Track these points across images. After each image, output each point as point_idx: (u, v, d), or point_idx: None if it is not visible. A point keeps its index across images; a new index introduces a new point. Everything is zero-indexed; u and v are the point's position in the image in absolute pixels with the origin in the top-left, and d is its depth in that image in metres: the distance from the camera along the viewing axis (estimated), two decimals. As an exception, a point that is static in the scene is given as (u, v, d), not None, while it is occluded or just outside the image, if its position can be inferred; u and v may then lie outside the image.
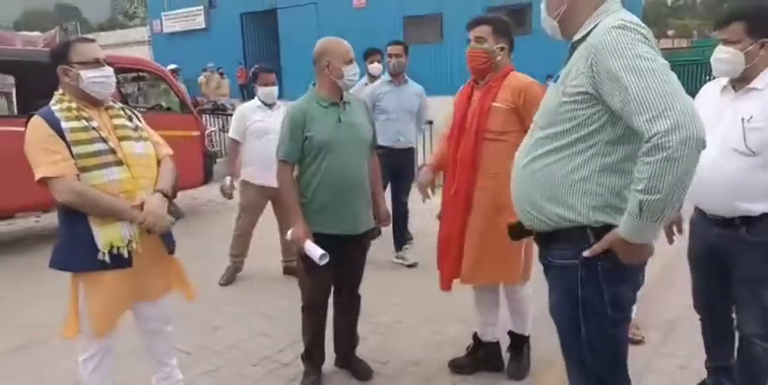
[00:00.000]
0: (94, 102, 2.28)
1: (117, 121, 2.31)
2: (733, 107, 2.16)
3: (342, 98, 2.67)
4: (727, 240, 2.22)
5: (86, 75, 2.20)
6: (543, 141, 1.68)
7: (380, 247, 4.78)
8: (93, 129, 2.20)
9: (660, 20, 37.10)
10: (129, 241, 2.23)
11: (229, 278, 4.40)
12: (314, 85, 2.70)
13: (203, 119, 9.40)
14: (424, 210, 5.38)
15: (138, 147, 2.31)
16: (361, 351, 3.02)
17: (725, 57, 2.14)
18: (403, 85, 4.67)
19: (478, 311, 2.92)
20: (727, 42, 2.14)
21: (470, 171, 2.59)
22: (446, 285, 2.76)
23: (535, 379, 2.85)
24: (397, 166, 4.52)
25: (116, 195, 2.20)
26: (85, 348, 2.31)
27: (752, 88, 2.13)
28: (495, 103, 2.56)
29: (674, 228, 2.40)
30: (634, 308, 1.75)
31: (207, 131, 6.89)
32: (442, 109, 2.97)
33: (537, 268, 2.06)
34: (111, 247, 2.19)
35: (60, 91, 2.26)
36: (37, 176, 2.13)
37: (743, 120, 2.10)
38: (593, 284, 1.64)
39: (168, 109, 7.39)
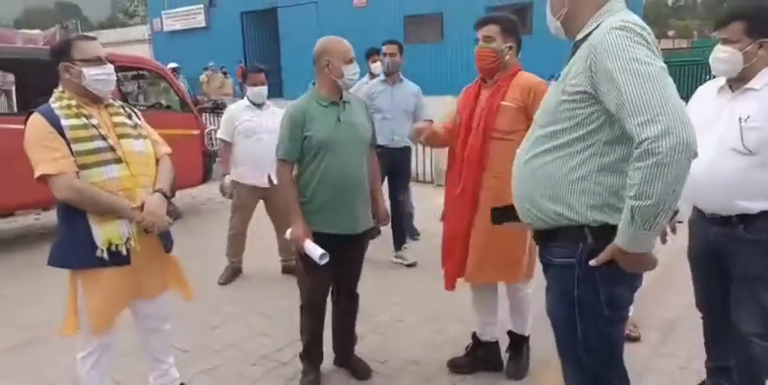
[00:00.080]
0: (94, 100, 2.28)
1: (116, 119, 2.32)
2: (730, 107, 2.17)
3: (341, 97, 2.66)
4: (726, 238, 2.23)
5: (89, 72, 2.20)
6: (543, 140, 1.68)
7: (380, 247, 4.79)
8: (93, 126, 2.20)
9: (661, 20, 37.10)
10: (128, 239, 2.23)
11: (228, 277, 4.40)
12: (314, 84, 2.70)
13: (203, 117, 9.40)
14: (427, 211, 5.43)
15: (137, 145, 2.32)
16: (360, 350, 3.02)
17: (724, 56, 2.15)
18: (398, 84, 4.67)
19: (477, 311, 2.92)
20: (726, 42, 2.15)
21: (477, 170, 2.58)
22: (450, 284, 2.76)
23: (534, 378, 2.85)
24: (393, 165, 4.52)
25: (115, 193, 2.20)
26: (84, 345, 2.31)
27: (749, 88, 2.14)
28: (504, 102, 2.56)
29: (668, 228, 2.41)
30: (631, 307, 1.76)
31: (207, 130, 6.89)
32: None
33: (537, 268, 2.06)
34: (110, 245, 2.19)
35: (60, 88, 2.26)
36: (37, 173, 2.13)
37: (740, 119, 2.10)
38: (590, 284, 1.64)
39: (168, 107, 7.38)
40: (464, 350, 2.98)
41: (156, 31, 26.09)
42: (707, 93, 2.34)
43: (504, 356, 2.94)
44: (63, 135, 2.14)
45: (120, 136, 2.28)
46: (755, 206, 2.12)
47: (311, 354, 2.83)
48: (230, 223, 4.43)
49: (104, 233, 2.19)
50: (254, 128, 4.19)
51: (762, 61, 2.11)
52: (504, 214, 1.88)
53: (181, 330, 3.13)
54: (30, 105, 2.43)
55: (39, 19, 45.81)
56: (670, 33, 33.36)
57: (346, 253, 2.71)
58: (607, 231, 1.57)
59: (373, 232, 5.03)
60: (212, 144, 6.90)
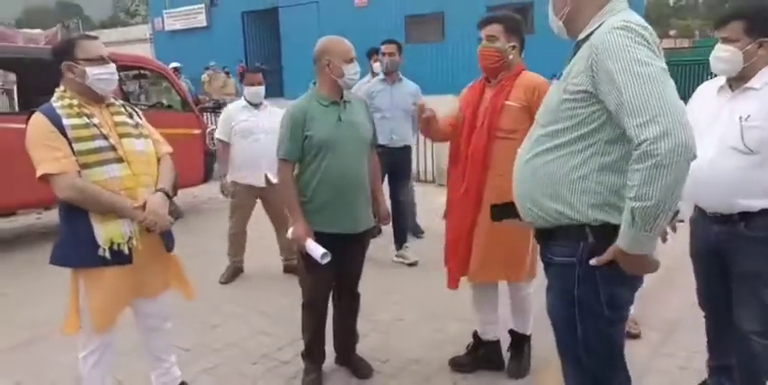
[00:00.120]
0: (96, 99, 2.29)
1: (118, 118, 2.32)
2: (730, 106, 2.18)
3: (342, 97, 2.67)
4: (727, 237, 2.23)
5: (92, 71, 2.21)
6: (544, 139, 1.68)
7: (381, 246, 4.79)
8: (95, 125, 2.21)
9: (662, 20, 37.06)
10: (130, 238, 2.24)
11: (229, 277, 4.41)
12: (314, 83, 2.70)
13: (204, 117, 9.41)
14: (428, 210, 5.44)
15: (138, 145, 2.32)
16: (362, 349, 3.02)
17: (724, 55, 2.16)
18: (397, 83, 4.68)
19: (477, 310, 2.92)
20: (726, 41, 2.16)
21: (481, 169, 2.58)
22: (454, 283, 2.76)
23: (535, 377, 2.85)
24: (393, 165, 4.53)
25: (117, 192, 2.21)
26: (86, 344, 2.32)
27: (749, 88, 2.14)
28: (508, 102, 2.56)
29: (668, 228, 2.41)
30: (632, 305, 1.76)
31: (208, 129, 6.89)
32: (443, 108, 2.97)
33: (539, 267, 2.06)
34: (112, 244, 2.20)
35: (62, 88, 2.26)
36: (39, 173, 2.13)
37: (741, 119, 2.11)
38: (590, 284, 1.64)
39: (169, 107, 7.39)
40: (465, 349, 2.98)
41: (158, 31, 26.10)
42: (707, 92, 2.35)
43: (506, 355, 2.94)
44: (65, 134, 2.14)
45: (122, 135, 2.29)
46: (756, 204, 2.13)
47: (313, 353, 2.83)
48: (230, 223, 4.45)
49: (106, 232, 2.19)
50: (250, 128, 4.19)
51: (761, 60, 2.12)
52: (504, 211, 1.89)
53: (182, 329, 3.13)
54: (31, 105, 2.44)
55: (40, 18, 45.86)
56: (671, 33, 33.33)
57: (347, 252, 2.72)
58: (608, 230, 1.57)
59: (374, 231, 5.05)
60: (213, 143, 6.90)
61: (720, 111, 2.20)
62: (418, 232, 5.38)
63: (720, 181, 2.15)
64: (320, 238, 2.58)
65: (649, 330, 3.27)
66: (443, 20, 17.99)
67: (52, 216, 6.15)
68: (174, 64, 12.09)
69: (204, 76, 16.07)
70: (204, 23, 24.16)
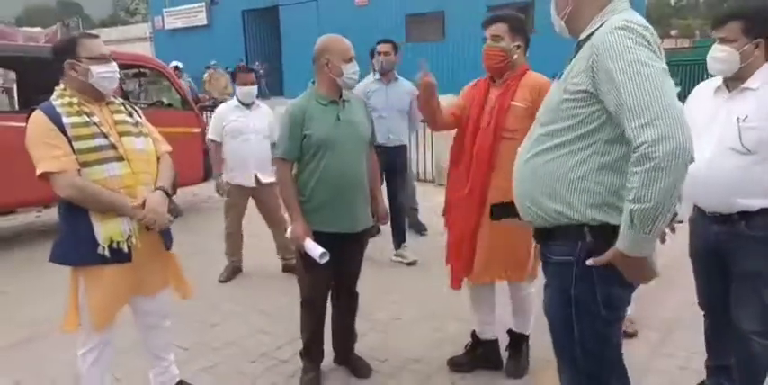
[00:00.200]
0: (96, 98, 2.29)
1: (118, 117, 2.32)
2: (727, 107, 2.18)
3: (341, 96, 2.66)
4: (727, 236, 2.24)
5: (96, 70, 2.21)
6: (544, 138, 1.69)
7: (380, 245, 4.79)
8: (95, 124, 2.21)
9: (663, 20, 37.05)
10: (129, 236, 2.24)
11: (228, 276, 4.41)
12: (313, 82, 2.70)
13: (204, 116, 9.40)
14: (428, 209, 5.44)
15: (138, 143, 2.32)
16: (360, 348, 3.02)
17: (721, 56, 2.16)
18: (393, 82, 4.68)
19: (476, 310, 2.92)
20: (723, 41, 2.16)
21: (486, 169, 2.57)
22: (457, 284, 2.76)
23: (533, 377, 2.85)
24: (389, 164, 4.53)
25: (117, 190, 2.21)
26: (85, 342, 2.32)
27: (746, 88, 2.15)
28: (514, 102, 2.55)
29: (667, 229, 2.41)
30: (630, 305, 1.76)
31: (207, 128, 6.88)
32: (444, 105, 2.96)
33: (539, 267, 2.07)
34: (111, 242, 2.20)
35: (62, 86, 2.26)
36: (38, 171, 2.13)
37: (738, 119, 2.11)
38: (587, 283, 1.64)
39: (169, 105, 7.39)
40: (463, 348, 2.98)
41: (158, 29, 26.09)
42: (704, 92, 2.35)
43: (504, 355, 2.94)
44: (65, 133, 2.14)
45: (122, 133, 2.29)
46: (755, 203, 2.13)
47: (311, 352, 2.83)
48: (225, 222, 4.46)
49: (106, 230, 2.19)
50: (240, 128, 4.20)
51: (758, 61, 2.13)
52: (504, 210, 1.89)
53: (181, 328, 3.13)
54: (31, 103, 2.44)
55: (40, 17, 45.79)
56: (672, 33, 33.29)
57: (346, 251, 2.71)
58: (607, 231, 1.57)
59: (373, 231, 5.05)
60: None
61: (718, 112, 2.20)
62: (421, 229, 5.42)
63: (719, 181, 2.15)
64: (319, 238, 2.58)
65: (648, 330, 3.27)
66: (444, 19, 17.98)
67: (51, 214, 6.15)
68: (176, 63, 12.08)
69: (205, 76, 16.07)
70: (204, 22, 24.16)
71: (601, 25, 1.59)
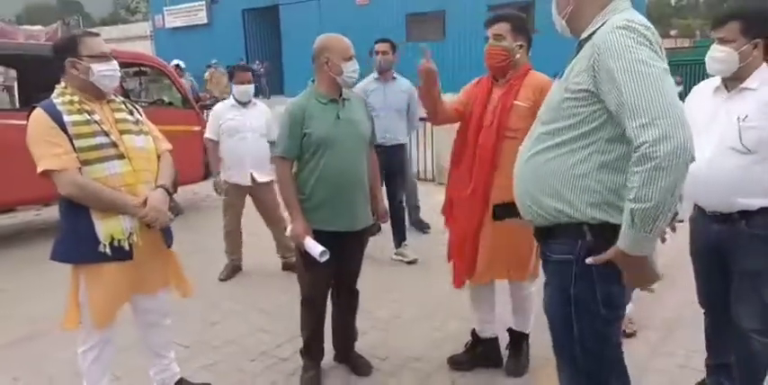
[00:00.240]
0: (97, 96, 2.29)
1: (118, 115, 2.33)
2: (727, 107, 2.19)
3: (341, 95, 2.66)
4: (727, 235, 2.24)
5: (97, 68, 2.22)
6: (545, 137, 1.69)
7: (380, 244, 4.80)
8: (95, 122, 2.21)
9: (663, 19, 37.05)
10: (130, 234, 2.24)
11: (229, 274, 4.42)
12: (313, 81, 2.70)
13: (204, 114, 9.40)
14: (428, 208, 5.44)
15: (138, 141, 2.33)
16: (361, 347, 3.02)
17: (720, 56, 2.17)
18: (390, 82, 4.68)
19: (475, 308, 2.93)
20: (722, 41, 2.17)
21: (489, 169, 2.56)
22: (459, 283, 2.76)
23: (533, 376, 2.85)
24: (387, 163, 4.53)
25: (117, 188, 2.21)
26: (85, 340, 2.32)
27: (745, 88, 2.16)
28: (517, 102, 2.55)
29: (667, 228, 2.41)
30: (630, 305, 1.76)
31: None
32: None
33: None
34: (112, 240, 2.20)
35: (62, 84, 2.26)
36: (39, 169, 2.14)
37: (738, 119, 2.12)
38: (587, 282, 1.64)
39: (170, 104, 7.39)
40: (464, 347, 2.99)
41: (158, 28, 26.11)
42: (702, 92, 2.36)
43: (504, 354, 2.95)
44: (65, 131, 2.15)
45: (122, 132, 2.29)
46: (755, 203, 2.14)
47: (311, 350, 2.84)
48: (224, 221, 4.46)
49: (107, 228, 2.20)
50: (236, 127, 4.20)
51: (756, 61, 2.14)
52: (506, 210, 1.89)
53: (181, 326, 3.14)
54: (32, 101, 2.44)
55: (40, 15, 45.77)
56: (672, 32, 33.31)
57: (346, 250, 2.72)
58: (606, 230, 1.58)
59: (374, 229, 5.05)
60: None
61: (717, 112, 2.21)
62: (424, 227, 5.44)
63: (719, 180, 2.16)
64: (319, 236, 2.58)
65: (648, 330, 3.28)
66: (444, 18, 18.00)
67: (51, 212, 6.16)
68: (177, 61, 12.08)
69: (206, 75, 16.08)
70: (205, 21, 24.17)
71: (602, 24, 1.59)
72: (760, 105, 2.10)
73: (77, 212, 2.19)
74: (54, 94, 2.24)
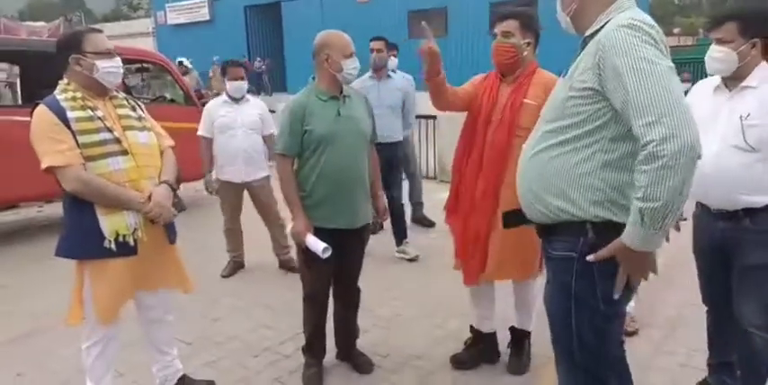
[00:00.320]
0: (100, 92, 2.29)
1: (121, 111, 2.33)
2: (729, 105, 2.20)
3: (341, 91, 2.66)
4: (732, 232, 2.25)
5: (102, 65, 2.22)
6: (548, 135, 1.69)
7: (382, 241, 4.80)
8: (99, 118, 2.22)
9: (666, 17, 36.98)
10: (135, 229, 2.25)
11: (230, 271, 4.43)
12: (313, 78, 2.70)
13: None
14: (431, 206, 5.45)
15: (141, 137, 2.33)
16: (362, 344, 3.03)
17: (719, 56, 2.18)
18: (384, 80, 4.68)
19: (475, 305, 2.93)
20: (720, 42, 2.18)
21: (500, 168, 2.55)
22: (472, 281, 2.74)
23: (535, 373, 2.86)
24: (382, 161, 4.52)
25: (121, 184, 2.22)
26: (89, 335, 2.33)
27: (746, 86, 2.17)
28: (526, 100, 2.54)
29: (672, 227, 2.41)
30: (632, 303, 1.76)
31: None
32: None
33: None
34: (117, 235, 2.21)
35: (65, 81, 2.26)
36: (43, 165, 2.14)
37: (741, 117, 2.14)
38: (588, 278, 1.65)
39: (172, 101, 7.39)
40: (464, 344, 2.99)
41: (160, 24, 26.10)
42: (703, 91, 2.37)
43: (506, 352, 2.95)
44: (69, 127, 2.15)
45: (125, 128, 2.29)
46: (759, 200, 2.15)
47: (314, 348, 2.84)
48: (224, 219, 4.46)
49: (111, 224, 2.20)
50: (228, 123, 4.18)
51: (755, 60, 2.16)
52: (516, 218, 1.88)
53: (183, 323, 3.15)
54: (34, 97, 2.44)
55: (43, 11, 45.83)
56: (675, 31, 33.23)
57: (347, 247, 2.72)
58: (609, 227, 1.58)
59: (375, 227, 5.06)
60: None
61: (720, 110, 2.22)
62: (427, 224, 5.47)
63: (724, 178, 2.17)
64: (319, 233, 2.58)
65: (650, 328, 3.28)
66: (447, 15, 17.95)
67: (53, 209, 6.17)
68: (182, 59, 12.06)
69: (210, 72, 16.12)
70: (207, 17, 24.15)
71: (606, 22, 1.59)
72: (762, 103, 2.11)
73: (82, 208, 2.19)
74: (57, 91, 2.24)
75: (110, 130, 2.22)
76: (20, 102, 7.33)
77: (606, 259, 1.57)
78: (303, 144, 2.59)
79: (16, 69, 7.69)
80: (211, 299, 3.81)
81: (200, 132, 4.34)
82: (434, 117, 7.36)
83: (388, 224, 4.82)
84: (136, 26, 30.70)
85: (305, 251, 2.61)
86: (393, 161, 4.73)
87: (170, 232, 2.43)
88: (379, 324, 3.44)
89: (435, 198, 5.55)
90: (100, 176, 2.17)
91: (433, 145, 7.54)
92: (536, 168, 1.72)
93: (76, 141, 2.15)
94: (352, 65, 2.60)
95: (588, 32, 1.66)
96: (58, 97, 2.20)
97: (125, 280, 2.28)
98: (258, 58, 21.25)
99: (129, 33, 28.33)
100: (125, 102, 2.38)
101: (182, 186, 6.06)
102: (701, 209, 2.39)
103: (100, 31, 2.35)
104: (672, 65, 1.48)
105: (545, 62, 2.61)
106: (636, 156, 1.48)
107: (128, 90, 7.46)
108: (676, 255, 3.00)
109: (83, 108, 2.20)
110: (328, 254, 2.53)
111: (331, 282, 2.81)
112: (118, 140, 2.23)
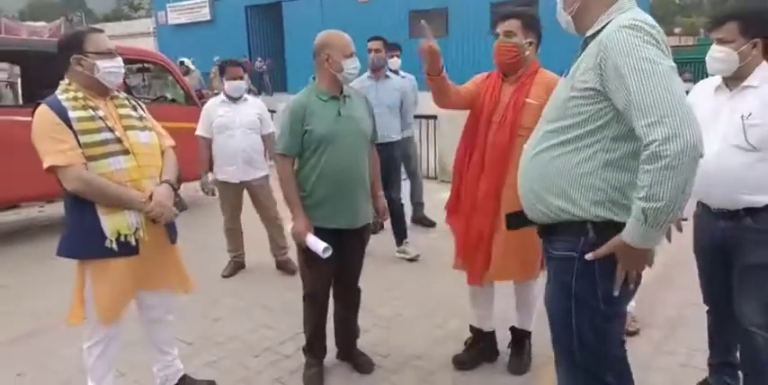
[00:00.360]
0: (101, 92, 2.30)
1: (122, 111, 2.33)
2: (730, 105, 2.21)
3: (342, 91, 2.66)
4: (733, 232, 2.25)
5: (103, 65, 2.22)
6: (550, 135, 1.69)
7: (382, 241, 4.80)
8: (100, 118, 2.22)
9: (667, 17, 36.98)
10: (137, 229, 2.25)
11: (231, 271, 4.43)
12: (314, 78, 2.70)
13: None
14: (431, 206, 5.45)
15: (143, 137, 2.33)
16: (363, 344, 3.03)
17: (720, 56, 2.19)
18: (382, 80, 4.68)
19: (475, 305, 2.93)
20: (721, 42, 2.18)
21: (502, 168, 2.54)
22: (476, 280, 2.74)
23: (535, 373, 2.86)
24: (380, 160, 4.52)
25: (123, 184, 2.22)
26: (91, 335, 2.33)
27: (747, 86, 2.18)
28: (528, 100, 2.53)
29: (673, 227, 2.41)
30: (632, 303, 1.76)
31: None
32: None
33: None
34: (119, 235, 2.21)
35: (66, 80, 2.27)
36: (45, 165, 2.14)
37: (742, 117, 2.14)
38: (589, 278, 1.65)
39: (173, 101, 7.39)
40: (464, 345, 2.99)
41: (161, 24, 26.11)
42: (704, 91, 2.37)
43: (506, 352, 2.95)
44: (70, 127, 2.15)
45: (127, 127, 2.30)
46: (760, 199, 2.16)
47: (314, 348, 2.85)
48: (224, 219, 4.46)
49: (113, 223, 2.21)
50: (226, 123, 4.17)
51: (756, 59, 2.17)
52: (518, 220, 1.89)
53: (184, 323, 3.15)
54: (35, 97, 2.45)
55: (43, 11, 45.86)
56: (676, 31, 33.24)
57: (347, 247, 2.72)
58: (609, 227, 1.58)
59: (376, 227, 5.06)
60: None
61: (721, 110, 2.23)
62: (428, 225, 5.47)
63: (725, 178, 2.17)
64: (319, 233, 2.59)
65: (650, 328, 3.28)
66: (447, 15, 17.96)
67: (54, 209, 6.17)
68: (183, 58, 12.07)
69: (211, 73, 16.14)
70: (208, 17, 24.17)
71: (607, 23, 1.59)
72: (763, 103, 2.12)
73: (83, 208, 2.19)
74: (58, 91, 2.24)
75: (111, 130, 2.22)
76: (21, 102, 7.35)
77: (605, 257, 1.58)
78: (303, 144, 2.59)
79: (17, 69, 7.70)
80: (212, 299, 3.82)
81: (198, 132, 4.33)
82: (435, 117, 7.36)
83: (388, 224, 4.82)
84: (137, 26, 30.73)
85: (305, 251, 2.61)
86: (390, 161, 4.73)
87: (171, 232, 2.43)
88: (379, 324, 3.44)
89: (436, 198, 5.56)
90: (101, 176, 2.18)
91: (433, 145, 7.54)
92: (537, 168, 1.72)
93: (78, 141, 2.15)
94: (352, 65, 2.60)
95: (589, 33, 1.66)
96: (60, 97, 2.21)
97: (126, 280, 2.28)
98: (259, 58, 21.27)
99: (130, 33, 28.36)
100: (126, 102, 2.38)
101: (182, 186, 6.07)
102: (702, 208, 2.39)
103: (101, 30, 2.36)
104: (673, 65, 1.49)
105: (546, 62, 2.61)
106: (637, 156, 1.48)
107: (129, 90, 7.46)
108: (676, 255, 3.00)
109: (84, 108, 2.20)
110: (329, 254, 2.53)
111: (331, 281, 2.81)
112: (119, 140, 2.23)
